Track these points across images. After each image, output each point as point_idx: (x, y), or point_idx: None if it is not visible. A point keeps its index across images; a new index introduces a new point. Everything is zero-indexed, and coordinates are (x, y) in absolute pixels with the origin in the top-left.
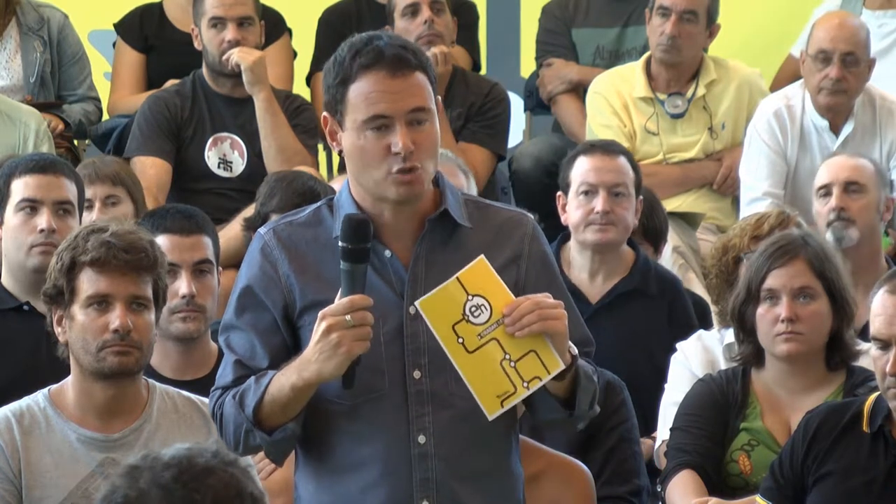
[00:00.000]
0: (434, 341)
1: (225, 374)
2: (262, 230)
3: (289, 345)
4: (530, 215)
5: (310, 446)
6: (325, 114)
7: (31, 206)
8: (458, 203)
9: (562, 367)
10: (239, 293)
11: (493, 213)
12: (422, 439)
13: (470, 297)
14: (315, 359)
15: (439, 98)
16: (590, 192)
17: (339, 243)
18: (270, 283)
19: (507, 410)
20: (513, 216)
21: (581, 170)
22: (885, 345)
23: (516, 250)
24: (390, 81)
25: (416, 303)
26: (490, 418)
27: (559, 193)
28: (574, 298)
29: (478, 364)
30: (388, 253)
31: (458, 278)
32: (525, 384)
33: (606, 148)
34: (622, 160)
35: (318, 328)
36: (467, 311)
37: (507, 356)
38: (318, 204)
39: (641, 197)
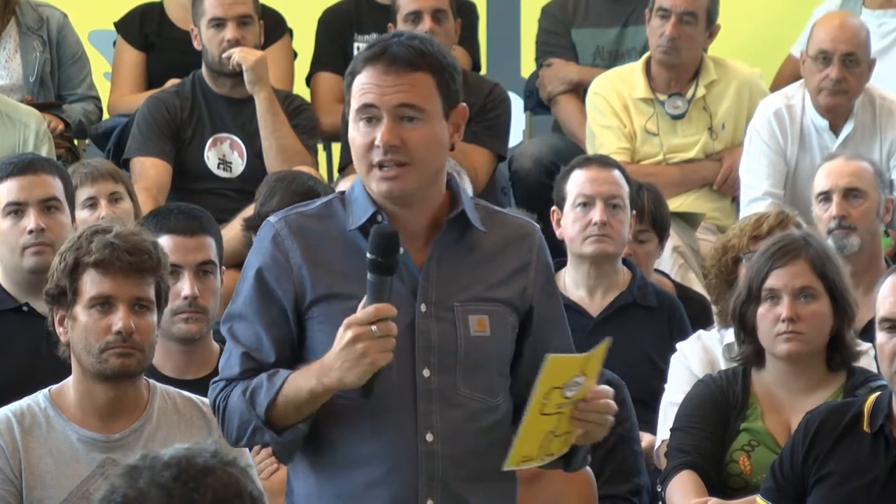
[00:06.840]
0: (444, 340)
1: (230, 366)
2: (272, 219)
3: (294, 338)
4: (537, 224)
5: (309, 440)
6: (344, 108)
7: (17, 208)
8: (470, 206)
9: (566, 451)
10: (249, 282)
11: (502, 219)
12: (429, 437)
13: (578, 375)
14: (338, 366)
15: (464, 105)
16: (587, 203)
17: (368, 255)
18: (282, 272)
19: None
20: (522, 224)
21: (577, 182)
22: (893, 326)
23: (525, 258)
24: (384, 76)
25: (548, 355)
26: (504, 468)
27: (553, 208)
28: (575, 313)
29: (538, 425)
30: (401, 249)
31: (589, 356)
32: (544, 456)
33: (602, 161)
34: (617, 173)
35: (344, 336)
36: (567, 383)
37: (556, 430)
38: (330, 197)
39: (634, 212)
